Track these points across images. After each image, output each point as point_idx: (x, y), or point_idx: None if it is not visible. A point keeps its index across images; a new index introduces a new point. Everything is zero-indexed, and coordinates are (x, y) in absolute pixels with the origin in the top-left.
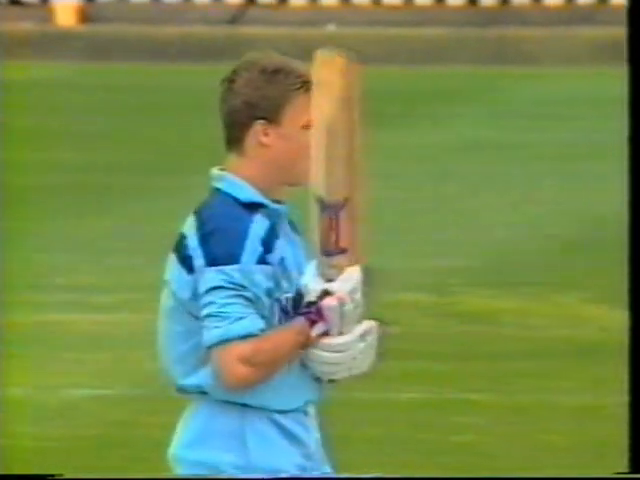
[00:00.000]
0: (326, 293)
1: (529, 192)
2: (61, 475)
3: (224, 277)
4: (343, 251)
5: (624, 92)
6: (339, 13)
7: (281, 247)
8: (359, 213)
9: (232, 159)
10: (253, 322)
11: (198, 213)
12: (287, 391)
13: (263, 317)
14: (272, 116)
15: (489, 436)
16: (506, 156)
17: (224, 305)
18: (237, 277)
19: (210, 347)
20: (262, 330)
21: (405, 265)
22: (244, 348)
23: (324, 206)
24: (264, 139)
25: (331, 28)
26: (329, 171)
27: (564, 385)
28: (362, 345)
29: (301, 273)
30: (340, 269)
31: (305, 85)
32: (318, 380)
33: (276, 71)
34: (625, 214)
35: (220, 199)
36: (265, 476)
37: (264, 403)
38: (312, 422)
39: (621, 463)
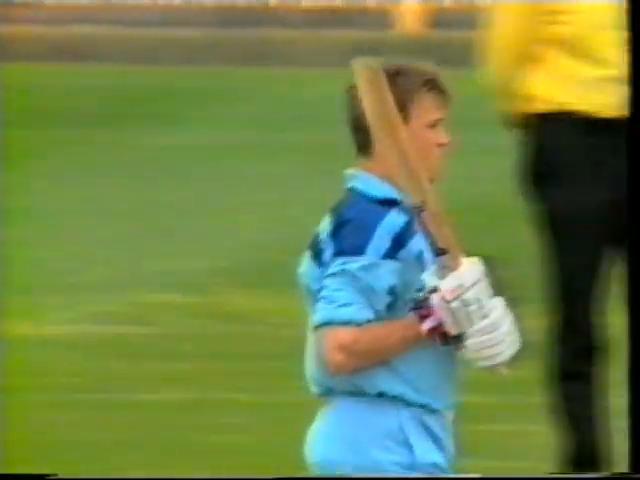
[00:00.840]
0: (434, 290)
1: (286, 192)
2: (55, 475)
3: (344, 266)
4: (443, 252)
5: None
6: (92, 13)
7: (418, 242)
8: (440, 215)
9: (363, 162)
10: (359, 311)
11: (332, 210)
12: (435, 389)
13: (376, 311)
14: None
15: (251, 435)
16: (263, 156)
17: (335, 290)
18: (356, 267)
19: (315, 329)
20: (368, 321)
21: (165, 266)
22: (345, 335)
23: (413, 209)
24: None
25: (85, 28)
26: (399, 175)
27: None
28: (509, 318)
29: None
30: (449, 268)
31: (428, 83)
32: (455, 384)
33: (396, 72)
34: None
35: (354, 196)
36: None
37: (417, 400)
38: (450, 426)
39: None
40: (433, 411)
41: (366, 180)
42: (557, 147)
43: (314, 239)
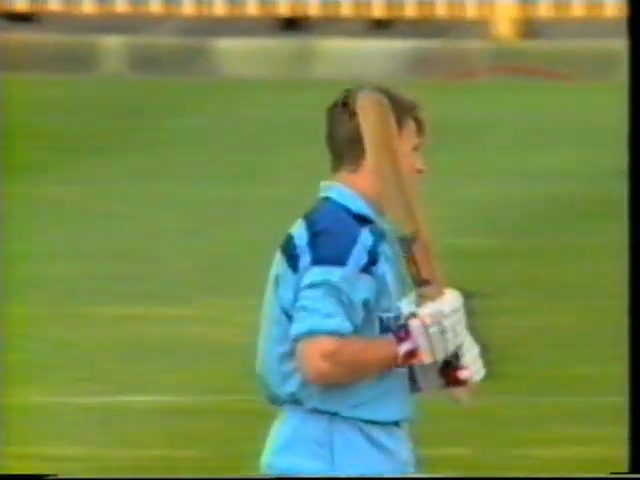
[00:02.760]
0: (413, 315)
1: None
2: (55, 475)
3: (325, 276)
4: (427, 282)
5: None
6: None
7: (383, 265)
8: (430, 246)
9: (344, 175)
10: (343, 322)
11: (307, 216)
12: (381, 405)
13: (354, 324)
14: None
15: None
16: None
17: (318, 301)
18: (337, 279)
19: (296, 339)
20: (351, 333)
21: None
22: (329, 344)
23: (399, 240)
24: None
25: None
26: (393, 206)
27: None
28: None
29: (400, 294)
30: (430, 298)
31: (413, 111)
32: (412, 398)
33: (390, 97)
34: None
35: (330, 206)
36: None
37: (355, 414)
38: (404, 434)
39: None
40: (377, 423)
41: (343, 192)
42: None
43: (287, 242)
